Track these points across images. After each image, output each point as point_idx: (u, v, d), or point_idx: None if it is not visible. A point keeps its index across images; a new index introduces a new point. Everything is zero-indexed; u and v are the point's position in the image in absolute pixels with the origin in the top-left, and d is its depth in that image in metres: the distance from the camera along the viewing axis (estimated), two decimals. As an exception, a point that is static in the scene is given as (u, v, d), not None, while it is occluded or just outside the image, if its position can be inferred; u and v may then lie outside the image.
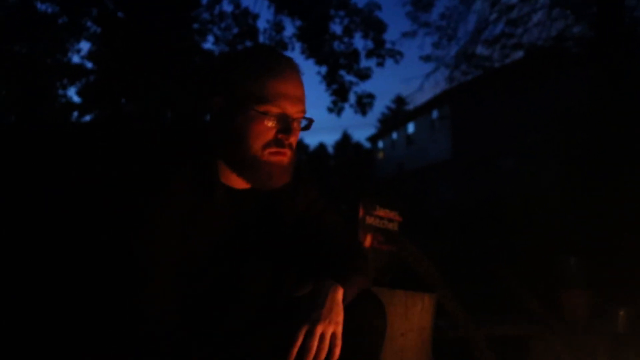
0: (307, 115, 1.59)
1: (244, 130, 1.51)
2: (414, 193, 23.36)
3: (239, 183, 1.61)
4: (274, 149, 1.52)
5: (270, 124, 1.51)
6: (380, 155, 36.01)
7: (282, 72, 1.52)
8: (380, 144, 36.37)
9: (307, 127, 1.61)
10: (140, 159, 1.56)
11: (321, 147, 65.47)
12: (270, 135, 1.52)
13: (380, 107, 68.10)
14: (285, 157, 1.54)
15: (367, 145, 44.64)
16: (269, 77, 1.51)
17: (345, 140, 63.19)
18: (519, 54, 11.81)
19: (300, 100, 1.55)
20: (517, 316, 3.43)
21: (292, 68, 1.56)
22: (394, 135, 32.96)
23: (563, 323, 3.31)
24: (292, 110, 1.52)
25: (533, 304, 3.39)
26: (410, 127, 29.74)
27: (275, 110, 1.50)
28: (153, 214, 1.48)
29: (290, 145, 1.54)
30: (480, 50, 11.82)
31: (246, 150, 1.52)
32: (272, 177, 1.55)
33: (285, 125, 1.52)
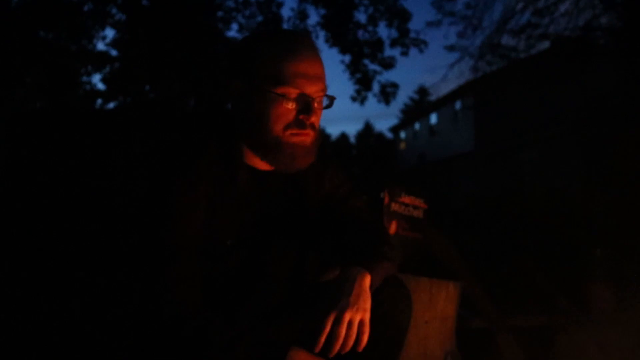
0: (329, 93, 1.57)
1: (264, 113, 1.50)
2: (435, 184, 23.28)
3: (263, 165, 1.60)
4: (295, 130, 1.51)
5: (289, 105, 1.50)
6: (402, 145, 35.86)
7: (298, 52, 1.51)
8: (403, 135, 36.21)
9: (329, 105, 1.60)
10: (165, 142, 1.56)
11: (343, 137, 65.50)
12: (291, 116, 1.51)
13: (403, 97, 67.88)
14: (307, 137, 1.53)
15: (389, 135, 44.55)
16: (284, 58, 1.49)
17: (367, 130, 63.13)
18: (545, 44, 11.69)
19: (319, 78, 1.53)
20: (541, 308, 3.40)
21: (309, 47, 1.54)
22: (417, 125, 32.80)
23: (588, 316, 3.28)
24: (311, 89, 1.51)
25: (558, 296, 3.36)
26: (433, 118, 29.57)
27: (293, 91, 1.49)
28: (178, 196, 1.48)
29: (312, 125, 1.53)
30: (505, 40, 11.76)
31: (268, 133, 1.51)
32: (295, 159, 1.54)
33: (306, 105, 1.51)
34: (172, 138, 1.56)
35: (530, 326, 3.25)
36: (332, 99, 1.59)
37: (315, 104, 1.53)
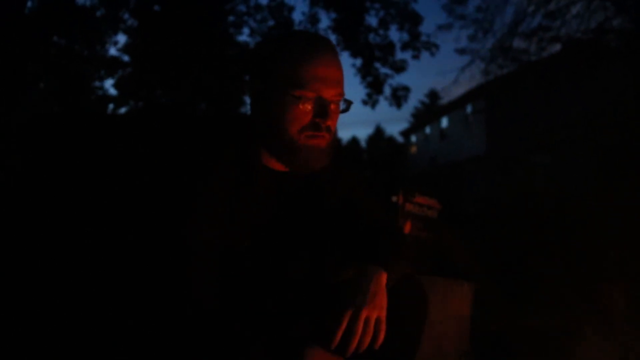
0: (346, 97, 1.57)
1: (281, 114, 1.51)
2: (447, 187, 23.22)
3: (280, 166, 1.61)
4: (310, 133, 1.52)
5: (306, 108, 1.50)
6: (413, 149, 35.82)
7: (317, 55, 1.51)
8: (414, 139, 36.18)
9: (346, 110, 1.60)
10: (185, 143, 1.57)
11: (354, 141, 65.44)
12: (307, 119, 1.51)
13: (413, 101, 67.94)
14: (322, 140, 1.54)
15: (400, 139, 44.50)
16: (303, 60, 1.50)
17: (378, 134, 63.06)
18: (557, 47, 11.65)
19: (337, 82, 1.53)
20: (555, 309, 3.39)
21: (328, 50, 1.54)
22: (428, 129, 32.76)
23: (602, 317, 3.26)
24: (328, 93, 1.51)
25: (571, 297, 3.35)
26: (444, 122, 29.53)
27: (310, 94, 1.49)
28: (199, 197, 1.49)
29: (327, 129, 1.53)
30: (517, 43, 11.70)
31: (283, 134, 1.52)
32: (310, 161, 1.55)
33: (322, 109, 1.51)
34: (191, 141, 1.58)
35: (545, 328, 3.24)
36: (349, 103, 1.59)
37: (332, 107, 1.54)
